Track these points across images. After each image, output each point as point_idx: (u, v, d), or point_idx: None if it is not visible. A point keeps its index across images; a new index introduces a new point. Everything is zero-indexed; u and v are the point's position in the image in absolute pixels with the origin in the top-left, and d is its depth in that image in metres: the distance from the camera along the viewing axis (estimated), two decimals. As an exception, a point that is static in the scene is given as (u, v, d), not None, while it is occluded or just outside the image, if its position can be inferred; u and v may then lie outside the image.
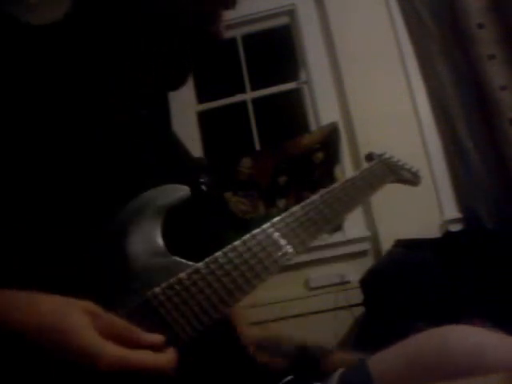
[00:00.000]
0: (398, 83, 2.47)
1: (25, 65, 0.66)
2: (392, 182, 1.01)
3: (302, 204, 0.77)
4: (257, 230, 0.69)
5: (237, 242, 0.66)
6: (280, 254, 0.69)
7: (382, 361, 0.73)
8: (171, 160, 0.79)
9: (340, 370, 0.79)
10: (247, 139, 2.71)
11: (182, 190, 0.67)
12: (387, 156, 1.04)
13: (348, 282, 2.20)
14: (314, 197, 0.80)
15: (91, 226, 0.61)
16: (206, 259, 0.62)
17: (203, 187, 0.85)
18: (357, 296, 2.05)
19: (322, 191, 0.82)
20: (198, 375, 0.64)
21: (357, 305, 2.08)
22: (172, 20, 0.72)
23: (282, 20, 2.79)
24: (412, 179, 1.09)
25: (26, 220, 0.59)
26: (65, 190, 0.62)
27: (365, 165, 0.98)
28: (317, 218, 0.77)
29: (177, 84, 0.79)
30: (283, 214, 0.73)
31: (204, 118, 2.76)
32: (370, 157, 1.03)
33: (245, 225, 2.19)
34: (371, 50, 2.50)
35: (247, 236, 0.68)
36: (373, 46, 2.50)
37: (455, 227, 2.23)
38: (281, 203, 2.23)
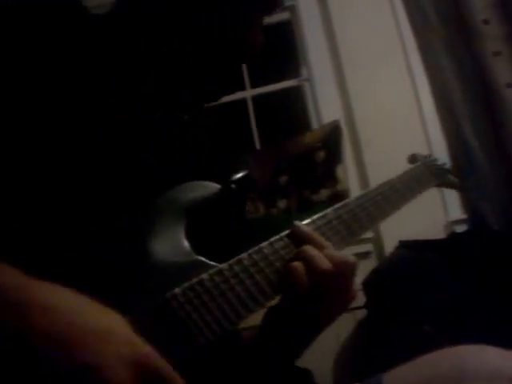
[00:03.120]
0: (401, 80, 2.46)
1: (27, 60, 0.66)
2: (436, 186, 0.98)
3: (335, 206, 0.74)
4: (286, 232, 0.66)
5: (263, 244, 0.64)
6: None
7: (398, 378, 0.70)
8: (177, 161, 0.78)
9: None
10: (247, 138, 2.69)
11: (211, 188, 0.66)
12: (432, 159, 1.02)
13: (350, 284, 2.15)
14: (349, 199, 0.77)
15: (95, 224, 0.60)
16: (230, 261, 0.60)
17: (233, 186, 0.84)
18: (359, 298, 2.01)
19: (358, 194, 0.79)
20: (209, 379, 0.62)
21: (359, 307, 2.05)
22: (173, 20, 0.72)
23: (283, 16, 2.77)
24: (458, 184, 1.06)
25: (26, 219, 0.59)
26: (63, 189, 0.61)
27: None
28: (351, 221, 0.74)
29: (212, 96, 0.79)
30: (314, 216, 0.70)
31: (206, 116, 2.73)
32: (413, 158, 1.00)
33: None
34: (374, 46, 2.48)
35: (275, 237, 0.65)
36: (376, 43, 2.49)
37: (460, 228, 2.22)
38: (281, 203, 2.21)
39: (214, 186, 0.66)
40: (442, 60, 2.33)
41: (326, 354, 2.09)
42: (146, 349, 0.45)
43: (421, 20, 2.39)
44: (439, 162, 1.03)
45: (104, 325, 0.45)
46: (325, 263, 0.62)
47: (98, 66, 0.73)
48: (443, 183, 1.00)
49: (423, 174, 0.95)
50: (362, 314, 2.08)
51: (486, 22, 2.24)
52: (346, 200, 0.76)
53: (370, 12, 2.52)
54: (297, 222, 0.68)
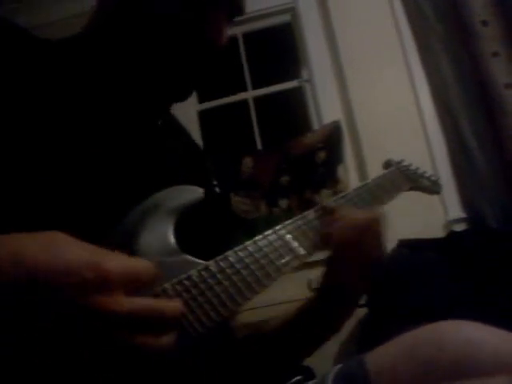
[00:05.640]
0: (401, 81, 2.46)
1: (41, 78, 0.69)
2: (410, 189, 1.02)
3: (315, 208, 0.78)
4: (268, 231, 0.70)
5: (248, 242, 0.67)
6: (291, 255, 0.70)
7: (380, 355, 0.73)
8: (160, 165, 0.80)
9: (338, 366, 0.78)
10: (249, 138, 2.70)
11: (195, 192, 0.68)
12: (405, 163, 1.05)
13: (351, 283, 2.14)
14: (328, 201, 0.81)
15: (100, 226, 0.62)
16: (217, 257, 0.63)
17: (216, 189, 0.88)
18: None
19: (336, 196, 0.82)
20: (198, 374, 0.64)
21: (360, 305, 2.06)
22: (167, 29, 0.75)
23: (284, 18, 2.78)
24: (431, 187, 1.10)
25: (40, 214, 0.60)
26: (53, 190, 0.62)
27: (380, 171, 0.99)
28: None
29: (181, 95, 0.81)
30: (295, 217, 0.74)
31: (205, 118, 2.74)
32: (388, 164, 1.04)
33: (247, 225, 2.17)
34: (374, 47, 2.49)
35: (259, 236, 0.69)
36: (375, 44, 2.49)
37: (459, 227, 2.23)
38: (283, 203, 2.22)
39: (198, 190, 0.68)
40: (441, 61, 2.34)
41: (328, 352, 2.10)
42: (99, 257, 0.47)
43: (420, 22, 2.41)
44: (412, 167, 1.07)
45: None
46: (359, 215, 0.75)
47: (106, 77, 0.76)
48: (416, 187, 1.05)
49: (397, 178, 0.98)
50: (362, 312, 2.08)
51: (484, 23, 2.26)
52: (326, 202, 0.81)
53: (369, 13, 2.53)
54: (323, 203, 0.79)
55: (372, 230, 0.75)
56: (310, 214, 0.77)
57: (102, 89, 0.76)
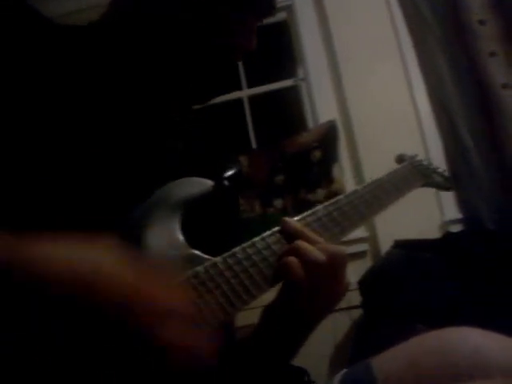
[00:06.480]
0: (397, 80, 2.46)
1: (53, 64, 0.69)
2: (422, 186, 0.99)
3: (325, 204, 0.75)
4: (278, 228, 0.68)
5: (256, 239, 0.65)
6: None
7: (386, 361, 0.72)
8: (169, 157, 0.79)
9: (343, 371, 0.77)
10: (243, 137, 2.69)
11: (203, 184, 0.67)
12: (418, 159, 1.03)
13: (346, 284, 2.14)
14: (339, 197, 0.78)
15: (108, 219, 0.61)
16: (224, 254, 0.62)
17: (226, 182, 0.85)
18: (355, 298, 2.02)
19: (348, 192, 0.79)
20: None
21: (355, 307, 2.05)
22: (168, 24, 0.74)
23: (279, 16, 2.76)
24: (444, 184, 1.08)
25: (48, 205, 0.60)
26: (61, 184, 0.62)
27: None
28: (340, 219, 0.75)
29: (197, 98, 0.81)
30: (304, 214, 0.71)
31: (199, 116, 2.73)
32: (400, 158, 1.01)
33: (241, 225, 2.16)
34: (370, 46, 2.48)
35: (267, 232, 0.67)
36: (372, 43, 2.49)
37: (455, 228, 2.22)
38: (278, 203, 2.21)
39: (207, 182, 0.67)
40: (438, 60, 2.33)
41: (323, 353, 2.10)
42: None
43: (417, 20, 2.39)
44: (425, 162, 1.04)
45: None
46: (319, 255, 0.63)
47: (121, 70, 0.76)
48: (429, 183, 1.02)
49: (411, 174, 0.96)
50: (358, 313, 2.09)
51: (481, 22, 2.25)
52: (337, 198, 0.77)
53: (366, 12, 2.52)
54: (286, 218, 0.69)
55: (332, 270, 0.65)
56: (321, 210, 0.73)
57: (115, 79, 0.75)
